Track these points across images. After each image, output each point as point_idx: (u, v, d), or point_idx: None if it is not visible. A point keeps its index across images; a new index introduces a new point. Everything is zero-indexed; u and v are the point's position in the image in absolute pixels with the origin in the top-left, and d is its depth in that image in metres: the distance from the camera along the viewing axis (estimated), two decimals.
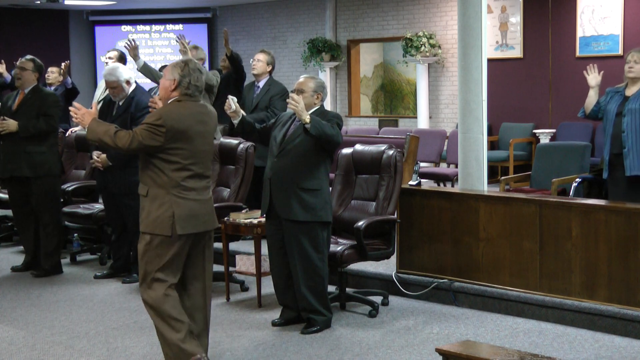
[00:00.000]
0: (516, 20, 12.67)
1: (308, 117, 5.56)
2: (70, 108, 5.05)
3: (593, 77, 6.77)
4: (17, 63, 7.66)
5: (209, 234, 5.09)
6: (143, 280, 4.93)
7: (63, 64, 9.84)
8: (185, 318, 4.93)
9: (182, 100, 4.94)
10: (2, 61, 8.87)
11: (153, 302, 4.89)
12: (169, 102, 4.97)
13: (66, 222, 8.24)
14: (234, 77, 9.26)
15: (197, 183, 4.94)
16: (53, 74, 10.19)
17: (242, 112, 5.95)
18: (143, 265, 4.91)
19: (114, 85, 7.07)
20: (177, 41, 8.28)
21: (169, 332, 4.87)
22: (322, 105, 5.90)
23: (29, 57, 7.70)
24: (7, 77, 9.04)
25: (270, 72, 8.50)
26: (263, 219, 6.18)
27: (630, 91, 6.59)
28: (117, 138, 4.87)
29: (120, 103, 7.10)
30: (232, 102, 5.88)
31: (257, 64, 8.47)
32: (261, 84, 8.46)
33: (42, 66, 7.78)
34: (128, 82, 7.11)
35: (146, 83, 9.04)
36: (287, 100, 5.63)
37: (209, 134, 5.04)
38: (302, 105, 5.57)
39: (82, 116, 4.97)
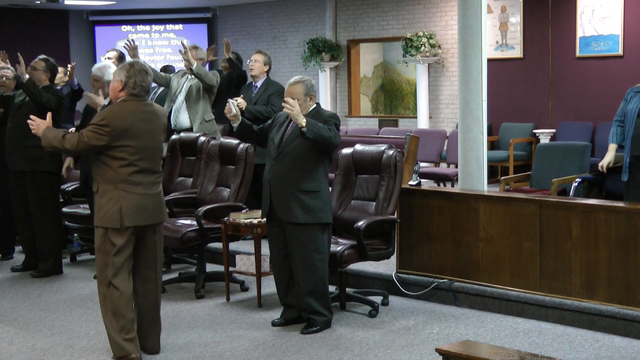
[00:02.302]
0: (516, 20, 12.67)
1: (304, 120, 5.56)
2: (28, 120, 5.34)
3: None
4: (31, 63, 7.69)
5: (159, 227, 5.38)
6: (101, 272, 5.21)
7: (70, 65, 9.84)
8: (131, 315, 5.22)
9: (128, 100, 5.23)
10: (7, 61, 8.88)
11: (105, 295, 5.19)
12: (116, 102, 5.27)
13: (66, 222, 8.24)
14: (235, 78, 9.29)
15: (144, 178, 5.21)
16: (58, 74, 10.19)
17: (242, 113, 5.97)
18: (100, 258, 5.21)
19: (96, 78, 7.21)
20: (180, 52, 8.30)
21: (113, 327, 5.18)
22: (317, 105, 5.90)
23: (42, 57, 7.73)
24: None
25: (267, 72, 8.53)
26: (263, 220, 6.19)
27: None
28: (64, 141, 5.19)
29: (106, 103, 7.14)
30: (232, 105, 5.88)
31: (254, 64, 8.49)
32: (259, 83, 8.49)
33: (56, 66, 7.80)
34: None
35: None
36: (283, 104, 5.64)
37: (155, 132, 5.31)
38: (298, 109, 5.57)
39: (37, 126, 5.28)
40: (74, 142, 5.13)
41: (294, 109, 5.55)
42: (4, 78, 7.92)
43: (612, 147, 6.81)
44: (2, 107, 7.81)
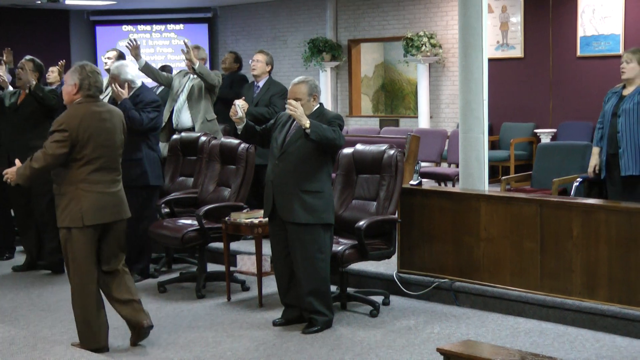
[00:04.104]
0: (517, 20, 12.67)
1: (308, 122, 5.56)
2: (4, 178, 5.45)
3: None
4: (18, 64, 7.73)
5: (120, 223, 5.50)
6: (69, 270, 5.39)
7: (59, 62, 9.87)
8: (99, 309, 5.44)
9: (82, 102, 5.33)
10: (2, 60, 8.89)
11: (75, 292, 5.38)
12: (74, 103, 5.34)
13: None
14: (238, 79, 9.32)
15: (103, 176, 5.34)
16: (53, 74, 10.21)
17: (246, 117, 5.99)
18: (67, 258, 5.37)
19: (114, 77, 7.25)
20: (182, 51, 8.30)
21: (84, 320, 5.41)
22: (320, 105, 5.90)
23: (28, 57, 7.83)
24: (8, 77, 9.06)
25: (269, 72, 8.54)
26: (264, 219, 6.19)
27: (626, 91, 6.62)
28: (33, 163, 5.26)
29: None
30: (238, 108, 5.90)
31: (256, 64, 8.50)
32: (261, 83, 8.49)
33: (42, 66, 7.93)
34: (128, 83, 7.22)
35: (147, 82, 9.02)
36: (286, 105, 5.64)
37: (112, 130, 5.41)
38: (301, 110, 5.58)
39: (11, 175, 5.41)
40: (41, 159, 5.23)
41: (297, 110, 5.55)
42: None
43: (595, 151, 6.89)
44: None
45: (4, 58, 8.21)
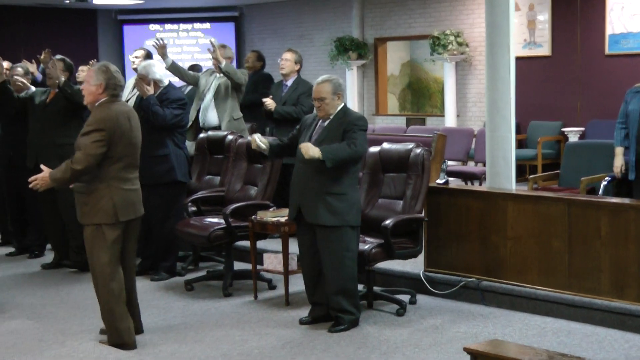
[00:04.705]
0: (544, 17, 12.59)
1: (319, 153, 5.60)
2: (31, 185, 5.44)
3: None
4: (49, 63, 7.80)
5: (139, 220, 5.66)
6: (95, 267, 5.41)
7: (90, 62, 9.96)
8: (124, 304, 5.50)
9: (109, 101, 5.44)
10: (33, 60, 8.99)
11: (102, 288, 5.42)
12: (99, 103, 5.43)
13: None
14: (262, 78, 9.35)
15: (130, 174, 5.48)
16: (83, 73, 10.30)
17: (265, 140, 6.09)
18: (94, 253, 5.41)
19: (142, 77, 7.31)
20: (209, 50, 8.35)
21: (113, 316, 5.45)
22: (344, 105, 5.91)
23: (59, 56, 7.94)
24: (38, 75, 9.16)
25: (298, 71, 8.54)
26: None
27: None
28: (76, 165, 5.29)
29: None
30: (258, 142, 6.03)
31: (285, 63, 8.51)
32: (289, 82, 8.50)
33: (72, 65, 8.05)
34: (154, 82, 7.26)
35: (174, 81, 9.08)
36: (299, 147, 5.74)
37: (135, 129, 5.53)
38: (311, 150, 5.61)
39: (42, 181, 5.41)
40: (82, 160, 5.28)
41: (308, 150, 5.63)
42: (17, 79, 8.00)
43: (619, 151, 6.83)
44: (21, 108, 7.91)
45: (41, 57, 8.28)
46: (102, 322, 5.60)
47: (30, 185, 5.47)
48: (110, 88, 5.43)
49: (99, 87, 5.42)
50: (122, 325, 5.47)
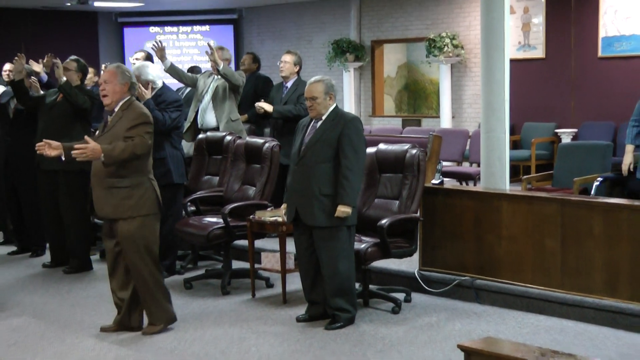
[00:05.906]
0: (538, 20, 12.68)
1: (349, 208, 5.80)
2: (74, 153, 5.48)
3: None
4: (63, 63, 7.85)
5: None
6: (142, 257, 5.64)
7: (103, 65, 10.02)
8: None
9: (131, 100, 5.74)
10: (40, 60, 9.04)
11: (149, 277, 5.70)
12: (125, 101, 5.68)
13: (96, 220, 8.36)
14: (261, 81, 9.41)
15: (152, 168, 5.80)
16: (88, 75, 10.34)
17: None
18: (140, 244, 5.61)
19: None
20: (207, 53, 8.41)
21: (165, 297, 5.84)
22: (336, 106, 5.99)
23: (73, 57, 7.93)
24: (44, 76, 9.20)
25: (298, 72, 8.57)
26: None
27: None
28: (137, 149, 5.51)
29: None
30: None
31: (284, 65, 8.53)
32: (289, 84, 8.52)
33: (86, 67, 8.02)
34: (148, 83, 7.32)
35: (173, 83, 9.15)
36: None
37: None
38: (341, 214, 5.78)
39: (92, 152, 5.47)
40: (143, 146, 5.54)
41: (342, 215, 5.80)
42: (33, 80, 8.06)
43: (629, 149, 6.84)
44: (35, 107, 7.95)
45: (44, 61, 8.33)
46: (113, 319, 5.89)
47: (75, 153, 5.48)
48: (132, 88, 5.77)
49: (124, 86, 5.69)
50: (164, 305, 5.82)
